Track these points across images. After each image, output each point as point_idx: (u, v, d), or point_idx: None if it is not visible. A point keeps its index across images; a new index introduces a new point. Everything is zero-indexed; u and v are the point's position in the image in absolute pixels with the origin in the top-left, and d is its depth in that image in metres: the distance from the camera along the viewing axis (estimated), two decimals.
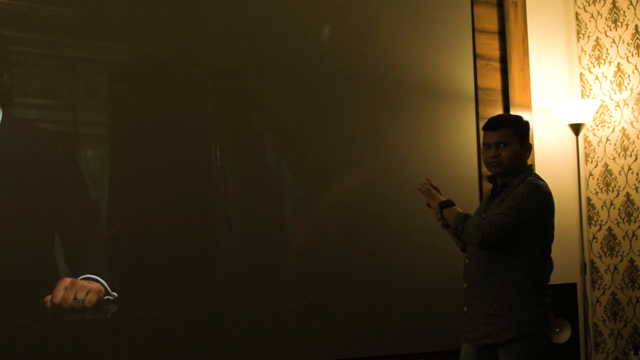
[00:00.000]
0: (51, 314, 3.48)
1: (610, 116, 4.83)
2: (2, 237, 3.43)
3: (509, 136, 3.01)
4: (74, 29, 3.68)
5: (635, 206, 4.66)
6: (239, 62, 4.01)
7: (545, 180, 3.05)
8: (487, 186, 4.41)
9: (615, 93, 4.81)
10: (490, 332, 2.91)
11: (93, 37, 3.72)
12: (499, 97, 4.78)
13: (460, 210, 3.06)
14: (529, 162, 3.19)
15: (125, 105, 3.75)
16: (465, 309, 3.02)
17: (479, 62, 4.71)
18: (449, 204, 3.09)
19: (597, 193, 4.91)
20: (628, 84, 4.72)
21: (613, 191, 4.80)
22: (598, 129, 4.91)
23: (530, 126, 4.65)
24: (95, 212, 3.65)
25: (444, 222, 3.13)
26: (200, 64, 3.92)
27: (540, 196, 2.92)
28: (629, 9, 4.73)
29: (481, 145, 3.20)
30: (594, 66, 4.96)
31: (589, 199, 4.96)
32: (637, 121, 4.66)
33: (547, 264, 3.00)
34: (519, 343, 2.85)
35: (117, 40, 3.78)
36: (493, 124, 3.07)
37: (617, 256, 4.77)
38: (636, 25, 4.68)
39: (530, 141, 3.10)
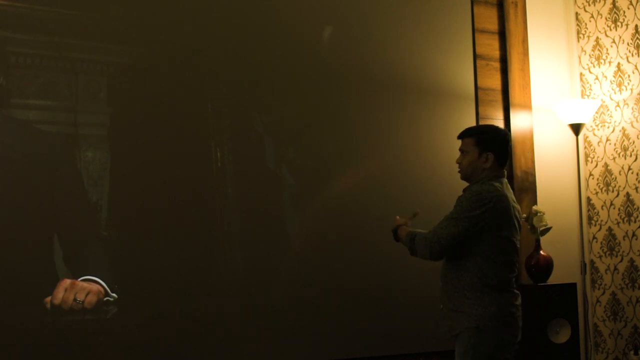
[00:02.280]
0: (50, 315, 3.48)
1: (610, 116, 4.83)
2: (2, 237, 3.44)
3: (469, 146, 3.24)
4: (74, 30, 3.68)
5: (635, 206, 4.66)
6: (239, 62, 4.01)
7: (505, 187, 3.20)
8: None
9: (615, 93, 4.81)
10: (452, 326, 3.15)
11: (93, 38, 3.72)
12: (499, 97, 4.78)
13: (409, 230, 3.31)
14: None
15: (125, 106, 3.75)
16: (441, 306, 3.24)
17: (479, 62, 4.71)
18: (395, 230, 3.39)
19: (597, 193, 4.91)
20: (628, 84, 4.72)
21: (613, 191, 4.80)
22: (598, 129, 4.91)
23: (534, 127, 4.72)
24: (94, 213, 3.65)
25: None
26: (200, 65, 3.92)
27: (477, 202, 3.08)
28: (629, 9, 4.73)
29: None
30: (594, 66, 4.96)
31: (589, 199, 4.96)
32: (637, 121, 4.66)
33: (504, 266, 3.13)
34: (467, 334, 3.07)
35: (116, 41, 3.78)
36: (461, 133, 3.32)
37: (617, 256, 4.77)
38: (636, 25, 4.68)
39: (493, 152, 3.20)
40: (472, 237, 3.08)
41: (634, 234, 4.66)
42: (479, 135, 3.26)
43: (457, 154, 3.30)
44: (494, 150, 3.21)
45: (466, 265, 3.11)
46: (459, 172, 3.30)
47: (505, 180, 3.25)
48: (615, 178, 4.78)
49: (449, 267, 3.19)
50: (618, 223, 4.77)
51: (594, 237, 4.92)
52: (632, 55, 4.69)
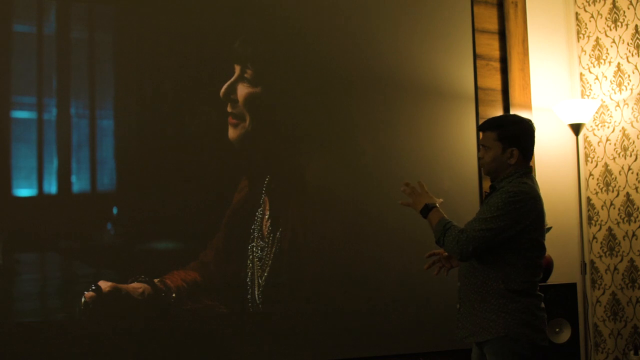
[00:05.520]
0: (48, 315, 3.49)
1: (610, 116, 4.83)
2: (6, 238, 3.45)
3: (490, 140, 3.02)
4: (86, 24, 3.69)
5: (635, 206, 4.66)
6: (239, 62, 4.01)
7: (535, 183, 3.01)
8: (487, 186, 4.41)
9: (615, 93, 4.81)
10: (474, 331, 2.95)
11: (105, 36, 3.73)
12: (499, 97, 4.78)
13: (443, 216, 3.01)
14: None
15: (136, 105, 3.79)
16: (458, 306, 3.05)
17: (479, 62, 4.71)
18: (432, 207, 3.04)
19: (597, 193, 4.91)
20: (628, 84, 4.72)
21: (613, 191, 4.80)
22: (598, 129, 4.91)
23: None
24: (102, 212, 3.66)
25: (446, 266, 3.19)
26: (199, 64, 3.92)
27: (514, 204, 2.87)
28: (629, 9, 4.73)
29: None
30: (594, 66, 4.96)
31: (589, 199, 4.96)
32: (637, 121, 4.66)
33: (529, 270, 2.96)
34: (498, 343, 2.88)
35: (126, 39, 3.80)
36: (481, 125, 3.10)
37: (617, 256, 4.77)
38: (636, 25, 4.68)
39: (518, 147, 2.99)
40: (501, 240, 2.87)
41: (634, 234, 4.66)
42: (501, 130, 3.00)
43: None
44: (518, 145, 2.99)
45: (491, 269, 2.91)
46: (482, 167, 3.07)
47: (532, 174, 3.04)
48: (615, 178, 4.78)
49: (471, 268, 2.97)
50: (618, 223, 4.77)
51: (594, 237, 4.92)
52: (632, 55, 4.70)
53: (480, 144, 3.07)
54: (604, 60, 4.89)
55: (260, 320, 3.91)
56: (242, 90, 3.99)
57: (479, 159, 3.07)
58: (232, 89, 3.97)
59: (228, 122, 3.95)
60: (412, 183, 3.12)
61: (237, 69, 3.99)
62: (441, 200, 3.09)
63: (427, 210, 3.04)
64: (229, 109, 3.96)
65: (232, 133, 3.96)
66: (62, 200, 3.58)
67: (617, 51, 4.80)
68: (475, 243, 2.86)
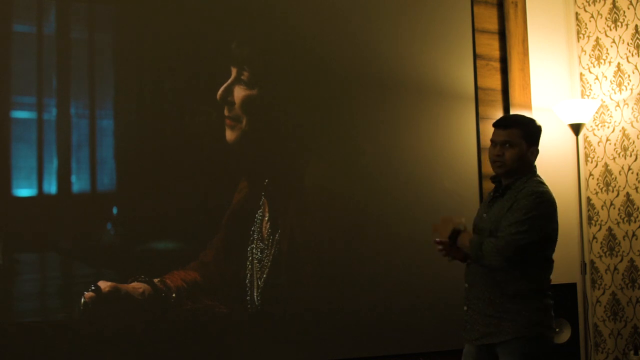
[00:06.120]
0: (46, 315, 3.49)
1: (610, 116, 4.83)
2: (6, 238, 3.45)
3: (516, 137, 2.97)
4: (86, 24, 3.69)
5: (635, 206, 4.66)
6: (236, 65, 4.01)
7: (546, 183, 3.03)
8: (487, 186, 4.41)
9: (615, 93, 4.81)
10: (488, 332, 2.91)
11: (105, 36, 3.73)
12: (499, 97, 4.78)
13: (471, 235, 2.98)
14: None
15: (136, 105, 3.79)
16: (465, 308, 3.02)
17: (479, 62, 4.71)
18: (459, 231, 3.00)
19: (597, 193, 4.91)
20: (628, 84, 4.72)
21: (613, 191, 4.80)
22: (598, 129, 4.91)
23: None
24: (102, 212, 3.66)
25: (450, 255, 3.08)
26: (199, 64, 3.92)
27: (543, 204, 2.89)
28: (629, 9, 4.73)
29: (489, 142, 3.13)
30: (594, 66, 4.96)
31: (589, 199, 4.96)
32: (637, 121, 4.66)
33: (546, 268, 2.98)
34: (517, 344, 2.85)
35: (126, 39, 3.80)
36: (503, 122, 3.04)
37: (617, 256, 4.77)
38: (636, 25, 4.68)
39: (537, 146, 3.03)
40: (539, 240, 2.87)
41: (634, 234, 4.66)
42: (526, 127, 2.99)
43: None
44: (537, 144, 3.02)
45: (511, 269, 2.87)
46: (499, 166, 2.98)
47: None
48: (615, 178, 4.78)
49: (486, 269, 2.93)
50: (618, 223, 4.77)
51: (594, 237, 4.92)
52: (632, 55, 4.69)
53: (500, 141, 2.99)
54: (604, 60, 4.89)
55: (260, 320, 3.91)
56: (239, 93, 3.99)
57: (497, 155, 2.98)
58: (229, 91, 3.97)
59: (226, 124, 3.95)
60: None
61: (234, 71, 3.99)
62: (464, 219, 3.05)
63: (456, 234, 2.99)
64: (226, 112, 3.95)
65: (229, 135, 3.96)
66: (62, 200, 3.58)
67: (617, 51, 4.80)
68: (513, 246, 2.82)
